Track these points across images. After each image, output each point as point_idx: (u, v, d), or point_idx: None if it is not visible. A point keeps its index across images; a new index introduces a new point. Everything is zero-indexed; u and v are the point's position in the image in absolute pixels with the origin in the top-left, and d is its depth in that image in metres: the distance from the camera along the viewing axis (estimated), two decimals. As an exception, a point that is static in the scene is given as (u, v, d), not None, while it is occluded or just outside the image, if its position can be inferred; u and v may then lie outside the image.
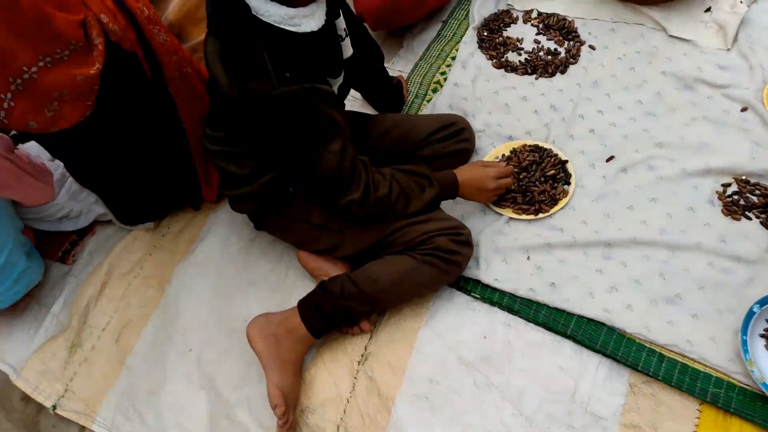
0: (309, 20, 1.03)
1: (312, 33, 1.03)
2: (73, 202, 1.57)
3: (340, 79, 1.20)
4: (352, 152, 1.15)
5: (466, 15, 1.85)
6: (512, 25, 1.78)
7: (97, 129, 1.28)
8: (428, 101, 1.68)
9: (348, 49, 1.21)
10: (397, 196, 1.21)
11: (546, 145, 1.49)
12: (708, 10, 1.66)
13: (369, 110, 1.66)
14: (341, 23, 1.18)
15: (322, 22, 1.06)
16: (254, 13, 0.98)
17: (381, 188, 1.19)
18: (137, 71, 1.27)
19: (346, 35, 1.20)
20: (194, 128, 1.41)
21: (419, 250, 1.25)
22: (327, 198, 1.20)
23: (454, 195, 1.31)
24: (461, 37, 1.80)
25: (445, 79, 1.71)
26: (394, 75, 1.68)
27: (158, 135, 1.39)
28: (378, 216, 1.24)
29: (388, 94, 1.61)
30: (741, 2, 1.62)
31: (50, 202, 1.51)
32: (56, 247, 1.66)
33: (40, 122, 1.16)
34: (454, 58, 1.75)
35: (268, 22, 0.98)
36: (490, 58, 1.72)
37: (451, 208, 1.38)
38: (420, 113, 1.66)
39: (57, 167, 1.55)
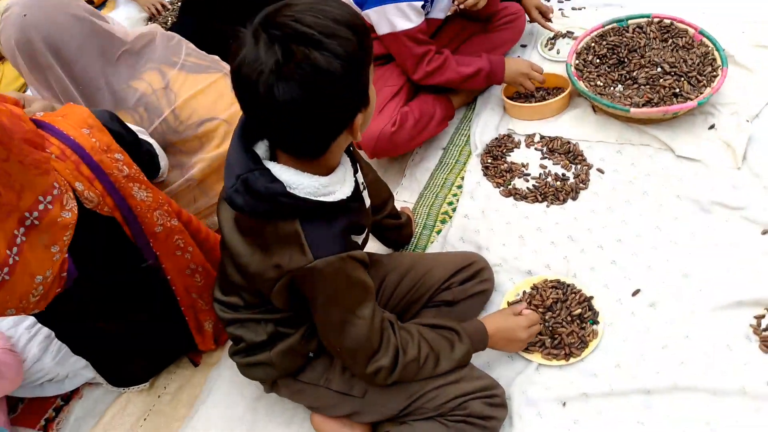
0: (342, 186, 0.99)
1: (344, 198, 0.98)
2: (59, 367, 1.45)
3: (365, 234, 1.14)
4: (381, 314, 1.08)
5: (467, 141, 1.83)
6: (515, 149, 1.76)
7: (78, 294, 1.19)
8: (437, 232, 1.63)
9: (368, 200, 1.16)
10: (426, 356, 1.12)
11: (568, 280, 1.42)
12: (712, 127, 1.65)
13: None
14: (360, 176, 1.13)
15: (353, 185, 1.01)
16: (289, 190, 0.92)
17: (409, 351, 1.10)
18: (116, 234, 1.20)
19: (364, 187, 1.15)
20: (181, 279, 1.33)
21: (450, 416, 1.14)
22: (352, 365, 1.10)
23: (484, 347, 1.22)
24: (464, 164, 1.77)
25: (453, 209, 1.66)
26: (399, 205, 1.62)
27: (142, 292, 1.31)
28: (405, 379, 1.14)
29: (398, 230, 1.55)
30: (747, 121, 1.61)
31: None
32: (37, 414, 1.52)
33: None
34: (459, 187, 1.71)
35: (302, 196, 0.93)
36: (497, 186, 1.68)
37: (477, 354, 1.28)
38: (430, 246, 1.59)
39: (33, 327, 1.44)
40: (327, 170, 0.98)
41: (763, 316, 1.32)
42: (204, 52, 1.57)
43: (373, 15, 1.61)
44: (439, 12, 1.74)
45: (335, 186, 0.97)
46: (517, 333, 1.25)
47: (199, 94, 1.43)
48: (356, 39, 0.84)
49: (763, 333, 1.30)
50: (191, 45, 1.56)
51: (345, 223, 1.00)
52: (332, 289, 1.00)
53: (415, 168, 1.80)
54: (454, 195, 1.70)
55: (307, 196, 0.93)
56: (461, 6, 1.71)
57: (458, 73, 1.72)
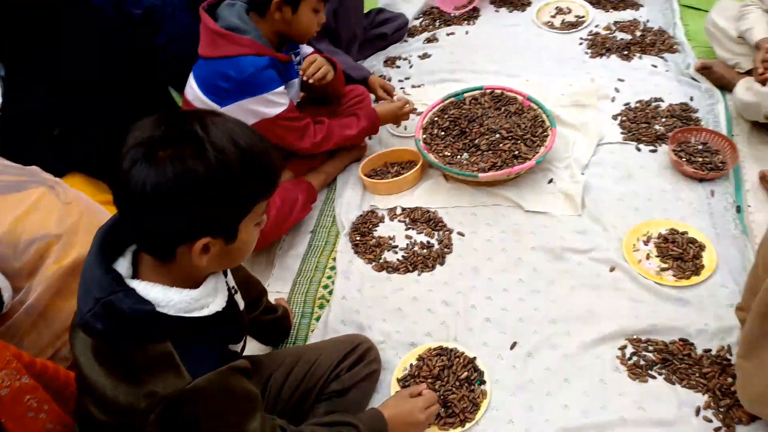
0: (215, 299, 0.93)
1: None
2: None
3: (242, 343, 1.08)
4: (271, 422, 1.01)
5: (333, 221, 1.85)
6: (380, 224, 1.80)
7: None
8: (317, 319, 1.60)
9: (241, 302, 1.11)
10: None
11: (450, 345, 1.46)
12: (551, 181, 1.82)
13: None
14: (230, 279, 1.08)
15: (226, 294, 0.96)
16: (158, 309, 0.84)
17: None
18: None
19: (236, 291, 1.10)
20: None
21: None
22: None
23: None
24: (333, 244, 1.79)
25: (330, 292, 1.65)
26: (272, 297, 1.58)
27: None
28: None
29: (276, 324, 1.50)
30: (582, 174, 1.80)
31: None
32: None
33: None
34: (332, 268, 1.71)
35: (173, 314, 0.86)
36: (369, 261, 1.70)
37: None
38: (312, 335, 1.56)
39: None
40: (194, 282, 0.92)
41: (626, 346, 1.43)
42: (20, 165, 1.43)
43: (236, 110, 1.61)
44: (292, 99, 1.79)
45: (207, 299, 0.91)
46: (416, 415, 1.24)
47: (23, 215, 1.30)
48: (240, 166, 0.82)
49: (629, 362, 1.41)
50: (3, 161, 1.42)
51: (221, 334, 0.95)
52: (216, 410, 0.91)
53: (284, 256, 1.78)
54: (329, 277, 1.69)
55: (179, 314, 0.87)
56: (310, 80, 1.76)
57: (344, 137, 1.81)
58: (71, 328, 0.95)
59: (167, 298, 0.86)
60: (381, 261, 1.70)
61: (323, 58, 1.81)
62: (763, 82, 1.75)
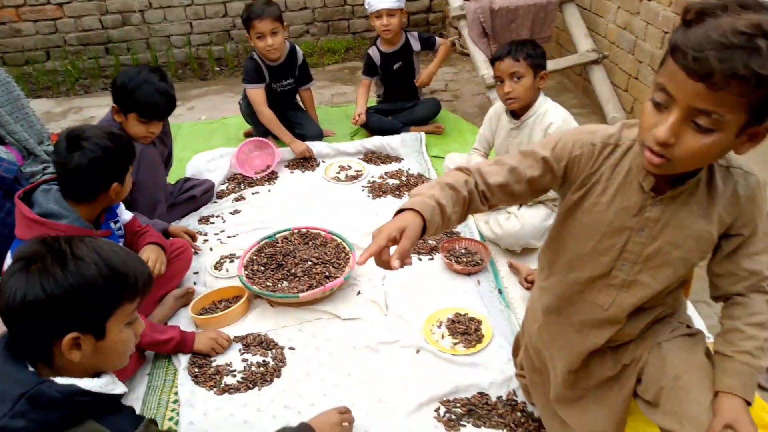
0: (119, 384, 1.10)
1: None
2: None
3: None
4: None
5: (169, 361, 1.96)
6: (216, 354, 1.96)
7: None
8: (165, 452, 1.65)
9: None
10: None
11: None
12: (359, 293, 2.18)
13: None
14: None
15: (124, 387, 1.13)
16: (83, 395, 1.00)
17: None
18: None
19: None
20: None
21: None
22: None
23: None
24: (173, 381, 1.88)
25: (176, 423, 1.72)
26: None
27: None
28: None
29: None
30: (382, 284, 2.20)
31: None
32: None
33: None
34: (175, 401, 1.80)
35: (97, 391, 1.01)
36: (210, 388, 1.83)
37: None
38: (162, 466, 1.60)
39: None
40: (93, 373, 1.07)
41: (439, 408, 1.75)
42: None
43: None
44: None
45: (114, 384, 1.07)
46: (332, 415, 1.56)
47: None
48: (99, 272, 1.02)
49: (443, 419, 1.71)
50: None
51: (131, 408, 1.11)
52: None
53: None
54: (173, 410, 1.77)
55: (102, 391, 1.01)
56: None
57: (151, 338, 1.88)
58: None
59: (85, 384, 1.00)
60: (222, 385, 1.84)
61: (153, 247, 2.00)
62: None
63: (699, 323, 1.98)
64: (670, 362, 1.22)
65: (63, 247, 1.02)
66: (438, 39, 3.38)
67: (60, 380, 1.00)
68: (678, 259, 1.15)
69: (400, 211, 1.12)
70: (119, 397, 1.08)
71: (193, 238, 2.42)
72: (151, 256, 1.95)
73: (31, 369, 1.01)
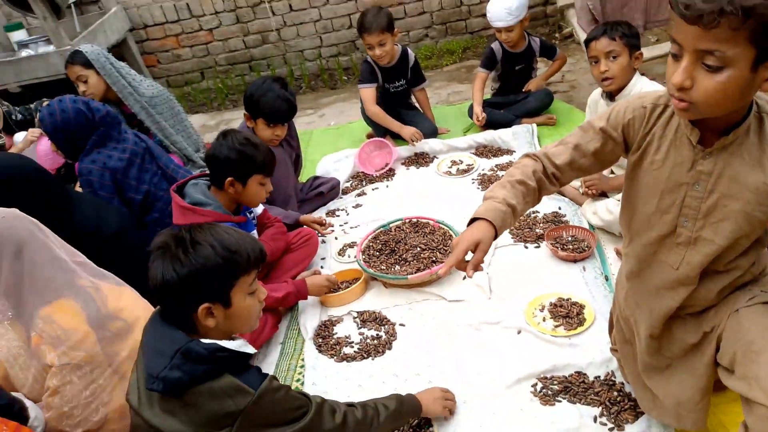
0: (250, 347, 1.35)
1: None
2: None
3: None
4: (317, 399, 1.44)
5: (298, 333, 2.27)
6: (338, 325, 2.24)
7: None
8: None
9: None
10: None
11: (402, 404, 1.83)
12: (464, 278, 2.33)
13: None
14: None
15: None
16: (224, 351, 1.27)
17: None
18: None
19: None
20: None
21: None
22: None
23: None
24: (301, 349, 2.18)
25: (302, 384, 2.01)
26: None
27: None
28: None
29: None
30: (487, 269, 2.34)
31: None
32: None
33: None
34: (302, 366, 2.09)
35: (233, 348, 1.28)
36: (331, 356, 2.10)
37: None
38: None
39: None
40: (230, 337, 1.36)
41: (536, 384, 1.85)
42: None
43: None
44: None
45: (246, 346, 1.34)
46: (435, 391, 1.74)
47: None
48: (214, 254, 1.28)
49: (540, 394, 1.82)
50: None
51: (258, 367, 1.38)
52: (276, 400, 1.30)
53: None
54: (300, 373, 2.07)
55: (237, 349, 1.29)
56: None
57: (271, 298, 2.17)
58: (137, 402, 1.30)
59: (224, 344, 1.28)
60: (341, 354, 2.10)
61: None
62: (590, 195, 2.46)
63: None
64: (745, 328, 1.24)
65: (184, 236, 1.30)
66: (558, 51, 3.46)
67: (204, 340, 1.28)
68: (738, 212, 1.17)
69: (474, 219, 1.30)
70: (251, 356, 1.34)
71: (322, 225, 2.73)
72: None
73: (181, 333, 1.30)
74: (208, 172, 2.22)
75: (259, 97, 2.59)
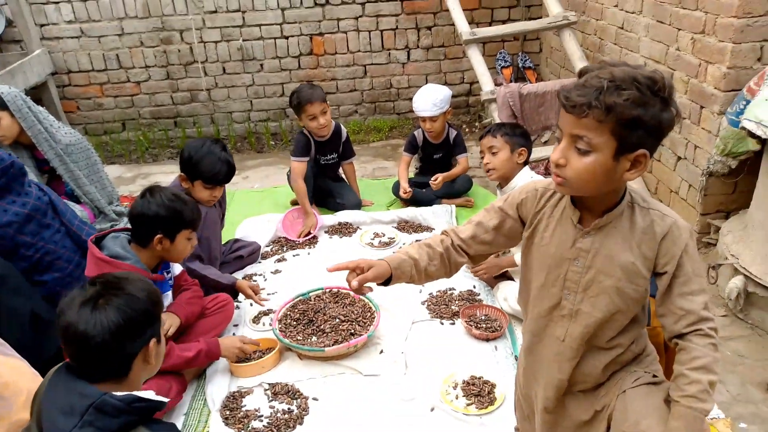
0: (163, 398, 1.29)
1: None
2: None
3: None
4: None
5: (204, 403, 2.15)
6: (247, 396, 2.14)
7: None
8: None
9: None
10: None
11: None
12: (381, 352, 2.34)
13: None
14: None
15: None
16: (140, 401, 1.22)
17: None
18: None
19: None
20: None
21: None
22: None
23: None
24: (206, 422, 2.06)
25: (204, 459, 1.89)
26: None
27: None
28: None
29: None
30: (403, 344, 2.35)
31: None
32: None
33: None
34: (206, 440, 1.98)
35: (150, 398, 1.23)
36: (239, 430, 2.00)
37: None
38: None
39: None
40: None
41: (447, 464, 1.86)
42: None
43: None
44: None
45: (158, 397, 1.27)
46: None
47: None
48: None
49: (450, 474, 1.82)
50: None
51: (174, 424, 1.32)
52: None
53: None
54: (201, 446, 1.95)
55: (152, 398, 1.22)
56: None
57: (181, 358, 2.10)
58: None
59: (139, 393, 1.22)
60: (249, 428, 2.01)
61: (170, 314, 2.21)
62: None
63: (712, 400, 2.03)
64: (631, 408, 1.34)
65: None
66: (461, 155, 3.62)
67: (117, 393, 1.20)
68: (611, 288, 1.31)
69: None
70: (164, 404, 1.27)
71: (256, 292, 2.65)
72: (166, 320, 2.17)
73: (92, 386, 1.22)
74: (122, 227, 2.14)
75: (200, 159, 2.56)
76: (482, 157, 2.64)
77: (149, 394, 1.25)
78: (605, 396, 1.42)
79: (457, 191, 3.63)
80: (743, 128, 2.38)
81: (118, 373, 1.28)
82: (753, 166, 2.58)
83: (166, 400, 1.29)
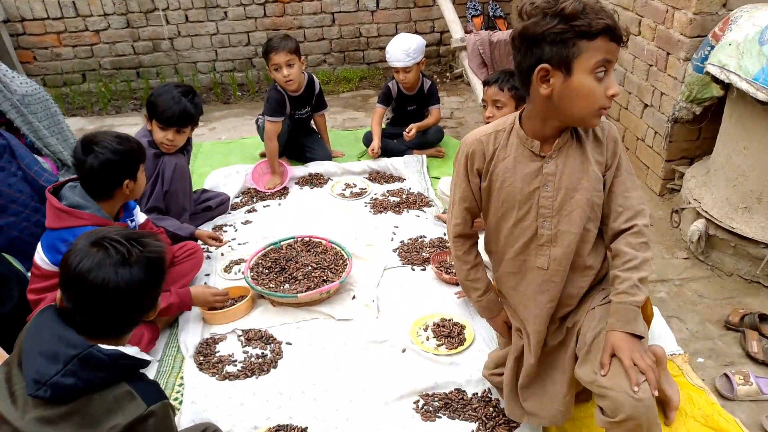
0: (146, 355, 1.29)
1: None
2: None
3: None
4: None
5: (178, 350, 2.16)
6: (221, 343, 2.16)
7: None
8: (169, 427, 1.83)
9: None
10: None
11: (285, 421, 1.81)
12: (354, 297, 2.37)
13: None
14: None
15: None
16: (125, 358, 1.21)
17: None
18: None
19: None
20: None
21: None
22: None
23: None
24: (180, 367, 2.08)
25: (180, 403, 1.91)
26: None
27: None
28: None
29: None
30: (375, 289, 2.38)
31: None
32: None
33: None
34: (181, 384, 1.99)
35: (133, 355, 1.22)
36: (212, 375, 2.02)
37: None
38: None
39: None
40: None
41: (418, 400, 1.91)
42: None
43: None
44: None
45: (141, 354, 1.26)
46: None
47: None
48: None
49: (421, 410, 1.87)
50: None
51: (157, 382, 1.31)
52: (159, 428, 1.21)
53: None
54: (178, 392, 1.97)
55: (137, 355, 1.22)
56: None
57: None
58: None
59: (125, 349, 1.21)
60: (224, 373, 2.03)
61: None
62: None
63: (670, 337, 2.12)
64: (596, 322, 1.44)
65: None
66: (434, 106, 3.58)
67: (104, 346, 1.19)
68: (582, 200, 1.40)
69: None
70: (148, 363, 1.27)
71: (218, 240, 2.65)
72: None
73: (79, 336, 1.20)
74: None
75: (157, 97, 2.58)
76: (484, 106, 2.48)
77: (134, 351, 1.24)
78: (575, 315, 1.52)
79: (429, 142, 3.62)
80: (707, 73, 2.42)
81: (119, 333, 1.28)
82: (716, 113, 2.63)
83: (150, 358, 1.29)
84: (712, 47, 2.45)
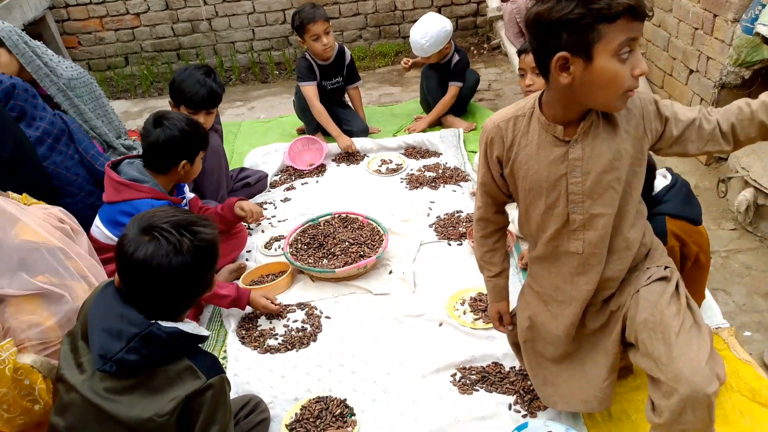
0: (203, 330, 1.35)
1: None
2: None
3: None
4: None
5: (221, 325, 2.23)
6: (262, 317, 2.23)
7: None
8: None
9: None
10: None
11: (325, 393, 1.86)
12: (390, 272, 2.39)
13: None
14: None
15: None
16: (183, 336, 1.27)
17: None
18: None
19: None
20: None
21: None
22: None
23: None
24: (223, 341, 2.15)
25: (223, 375, 1.98)
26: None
27: None
28: None
29: None
30: (412, 265, 2.40)
31: None
32: None
33: None
34: (224, 357, 2.07)
35: (191, 332, 1.29)
36: (254, 348, 2.09)
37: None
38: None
39: None
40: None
41: (455, 373, 1.93)
42: None
43: None
44: None
45: (198, 329, 1.33)
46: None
47: None
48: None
49: (458, 383, 1.89)
50: None
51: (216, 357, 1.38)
52: (215, 407, 1.28)
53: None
54: (222, 364, 2.04)
55: (195, 332, 1.28)
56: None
57: (213, 291, 2.12)
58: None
59: (183, 327, 1.27)
60: (265, 346, 2.09)
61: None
62: None
63: (716, 311, 2.06)
64: (642, 307, 1.38)
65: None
66: (453, 83, 3.53)
67: (164, 323, 1.25)
68: (613, 180, 1.33)
69: None
70: (206, 338, 1.34)
71: (258, 215, 2.60)
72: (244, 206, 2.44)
73: (139, 314, 1.26)
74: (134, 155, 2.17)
75: (180, 83, 2.60)
76: (521, 75, 2.41)
77: (191, 327, 1.30)
78: (619, 297, 1.46)
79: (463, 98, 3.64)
80: (758, 34, 2.30)
81: (177, 313, 1.33)
82: (767, 76, 2.51)
83: (207, 333, 1.35)
84: (764, 6, 2.33)
